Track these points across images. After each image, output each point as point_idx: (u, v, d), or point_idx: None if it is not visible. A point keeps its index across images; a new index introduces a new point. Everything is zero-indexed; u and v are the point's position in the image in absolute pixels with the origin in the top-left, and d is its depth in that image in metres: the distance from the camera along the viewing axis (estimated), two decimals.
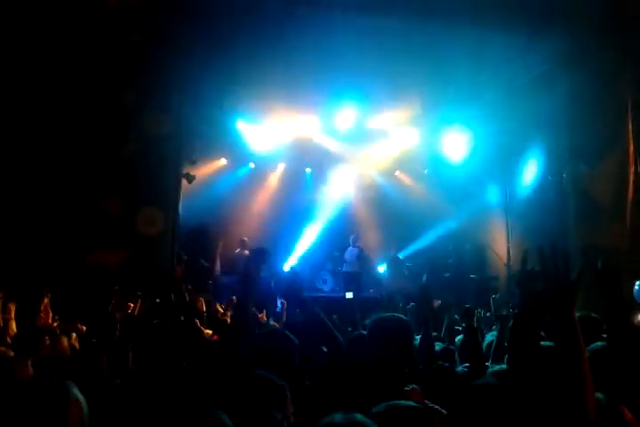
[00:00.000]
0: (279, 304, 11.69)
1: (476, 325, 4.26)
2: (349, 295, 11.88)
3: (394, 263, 13.31)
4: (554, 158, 10.58)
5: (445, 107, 11.90)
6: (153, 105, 9.05)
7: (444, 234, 13.82)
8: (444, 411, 2.46)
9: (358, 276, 12.78)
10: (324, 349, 3.11)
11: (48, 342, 3.80)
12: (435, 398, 2.50)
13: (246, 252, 12.68)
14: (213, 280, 11.82)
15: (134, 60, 8.76)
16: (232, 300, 7.89)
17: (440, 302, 11.73)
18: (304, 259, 14.16)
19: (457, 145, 13.41)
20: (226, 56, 9.21)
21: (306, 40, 8.76)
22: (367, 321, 2.76)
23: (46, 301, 3.93)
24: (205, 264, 11.81)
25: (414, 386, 2.44)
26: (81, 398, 1.83)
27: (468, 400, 2.28)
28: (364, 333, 3.80)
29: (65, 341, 4.12)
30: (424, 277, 12.68)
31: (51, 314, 4.61)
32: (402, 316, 2.64)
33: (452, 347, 4.40)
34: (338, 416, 1.70)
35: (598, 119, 9.60)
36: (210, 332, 5.61)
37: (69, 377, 2.06)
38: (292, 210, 14.00)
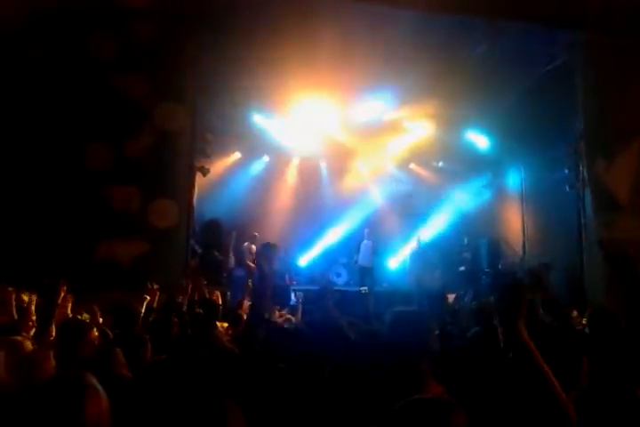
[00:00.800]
0: (293, 298, 11.75)
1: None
2: (364, 289, 11.85)
3: (420, 255, 13.16)
4: (572, 151, 10.47)
5: (464, 101, 11.79)
6: (166, 98, 9.04)
7: (458, 227, 13.76)
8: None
9: (372, 270, 12.75)
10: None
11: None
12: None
13: (254, 247, 12.70)
14: (227, 273, 11.84)
15: (148, 53, 8.75)
16: (247, 286, 7.93)
17: (455, 295, 11.74)
18: (320, 252, 14.14)
19: (475, 138, 13.34)
20: (242, 48, 9.17)
21: (326, 32, 8.71)
22: (386, 315, 2.75)
23: (63, 294, 3.94)
24: (219, 257, 11.83)
25: (434, 381, 2.44)
26: (100, 389, 1.83)
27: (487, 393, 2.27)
28: (377, 328, 3.82)
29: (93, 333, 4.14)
30: (438, 272, 12.65)
31: (69, 306, 4.64)
32: (422, 310, 2.63)
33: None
34: None
35: (617, 112, 9.50)
36: (225, 325, 5.62)
37: (92, 369, 2.06)
38: (308, 203, 13.97)
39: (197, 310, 5.00)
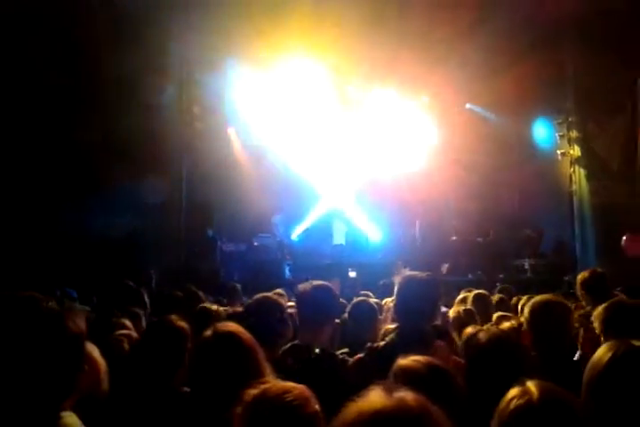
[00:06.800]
0: (287, 272, 11.75)
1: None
2: (353, 275, 11.67)
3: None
4: (564, 118, 10.42)
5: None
6: (153, 73, 8.89)
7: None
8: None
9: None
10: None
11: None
12: None
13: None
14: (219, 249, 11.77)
15: (132, 27, 8.58)
16: None
17: (447, 265, 11.76)
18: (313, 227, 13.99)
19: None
20: (228, 18, 8.99)
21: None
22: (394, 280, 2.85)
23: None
24: (211, 233, 11.76)
25: (441, 342, 2.50)
26: (100, 359, 1.83)
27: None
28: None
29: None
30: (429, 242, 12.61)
31: None
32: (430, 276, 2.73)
33: None
34: None
35: (609, 79, 9.44)
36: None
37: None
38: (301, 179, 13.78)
39: None
